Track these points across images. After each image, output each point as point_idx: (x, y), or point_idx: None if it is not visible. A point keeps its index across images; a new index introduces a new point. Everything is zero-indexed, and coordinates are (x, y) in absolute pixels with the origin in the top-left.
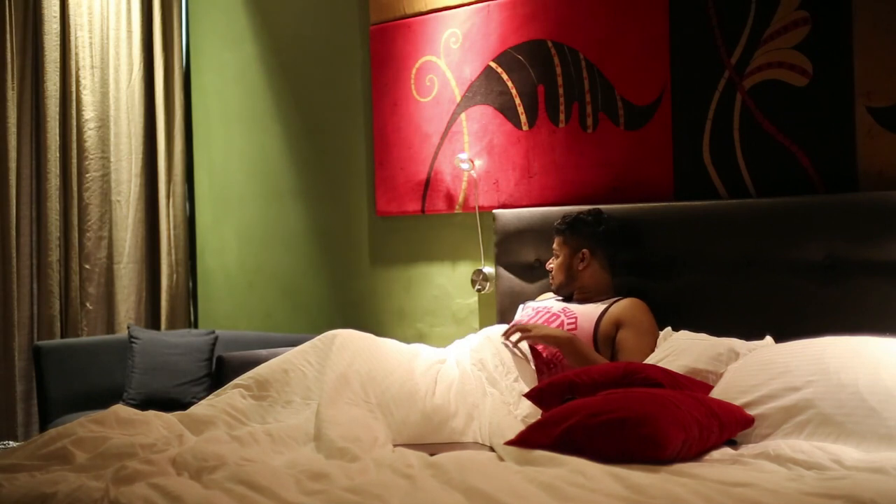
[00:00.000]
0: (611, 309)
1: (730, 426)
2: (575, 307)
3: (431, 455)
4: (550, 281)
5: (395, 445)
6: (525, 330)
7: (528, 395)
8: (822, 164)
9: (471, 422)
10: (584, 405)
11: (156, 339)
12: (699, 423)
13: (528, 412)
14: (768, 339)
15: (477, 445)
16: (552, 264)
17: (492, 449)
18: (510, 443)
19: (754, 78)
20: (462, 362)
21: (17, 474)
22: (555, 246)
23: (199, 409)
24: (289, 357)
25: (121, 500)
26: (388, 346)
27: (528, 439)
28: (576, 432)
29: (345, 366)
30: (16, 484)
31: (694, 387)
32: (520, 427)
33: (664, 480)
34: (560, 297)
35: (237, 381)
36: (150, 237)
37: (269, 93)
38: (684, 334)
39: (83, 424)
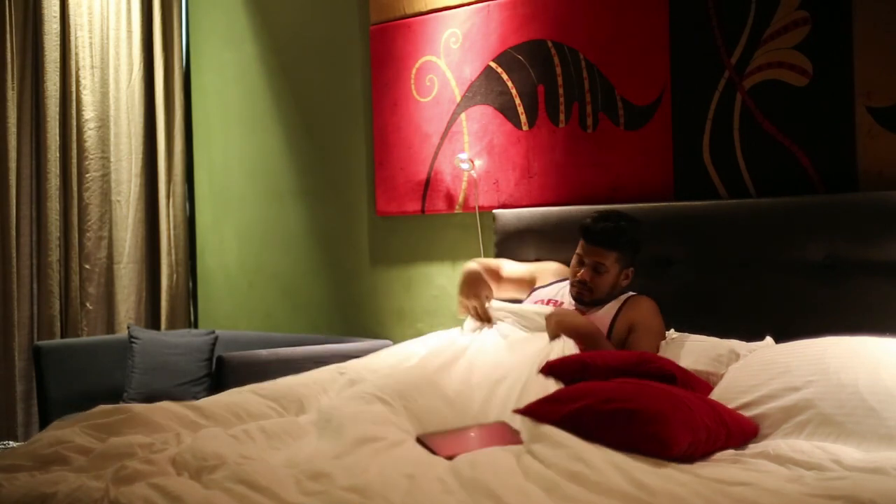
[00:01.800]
0: (623, 310)
1: (736, 436)
2: (588, 310)
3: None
4: (580, 292)
5: (418, 438)
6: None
7: (542, 371)
8: (822, 164)
9: (493, 396)
10: (600, 389)
11: (156, 339)
12: (708, 429)
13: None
14: (768, 339)
15: (502, 426)
16: (587, 275)
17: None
18: (519, 411)
19: (754, 78)
20: (482, 342)
21: (17, 474)
22: (600, 259)
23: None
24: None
25: (121, 500)
26: (403, 351)
27: (537, 411)
28: (585, 414)
29: (358, 369)
30: (16, 484)
31: (698, 385)
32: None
33: (664, 479)
34: (579, 304)
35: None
36: (150, 237)
37: (269, 93)
38: (684, 336)
39: (79, 434)
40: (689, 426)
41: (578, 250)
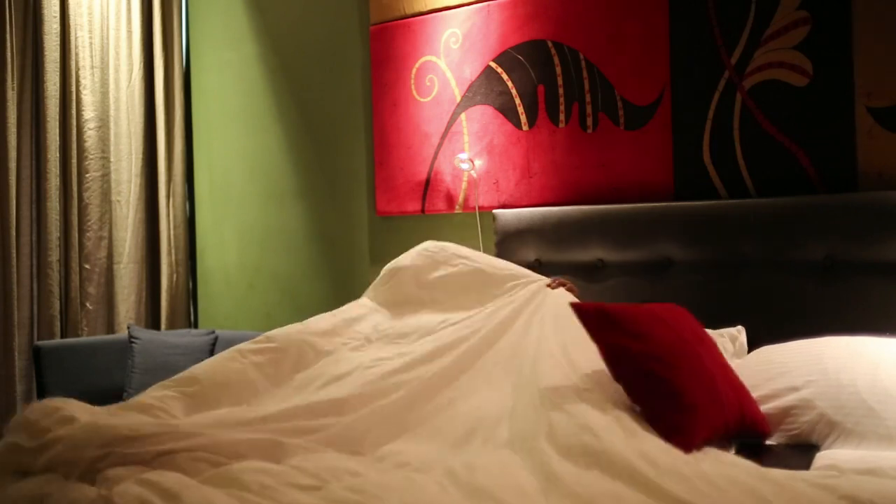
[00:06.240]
0: None
1: (750, 412)
2: None
3: None
4: None
5: None
6: None
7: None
8: (822, 164)
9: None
10: (658, 338)
11: (156, 339)
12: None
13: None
14: (734, 329)
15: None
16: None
17: None
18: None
19: (754, 78)
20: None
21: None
22: None
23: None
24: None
25: (116, 500)
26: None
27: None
28: (623, 360)
29: None
30: (15, 485)
31: None
32: None
33: (671, 476)
34: None
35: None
36: (150, 237)
37: (269, 93)
38: None
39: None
40: (711, 426)
41: None
